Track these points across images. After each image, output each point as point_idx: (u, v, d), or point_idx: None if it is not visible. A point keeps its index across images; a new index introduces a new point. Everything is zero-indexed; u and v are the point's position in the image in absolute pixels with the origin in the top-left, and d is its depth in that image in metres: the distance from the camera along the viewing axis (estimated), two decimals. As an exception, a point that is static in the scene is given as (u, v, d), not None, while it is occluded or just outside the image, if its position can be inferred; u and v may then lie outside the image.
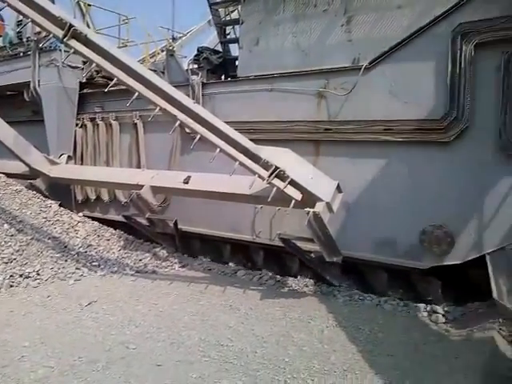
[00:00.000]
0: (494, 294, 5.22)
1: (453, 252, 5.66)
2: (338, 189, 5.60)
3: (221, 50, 9.25)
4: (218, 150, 5.46)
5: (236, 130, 5.70)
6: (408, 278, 6.18)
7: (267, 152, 5.40)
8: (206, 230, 7.79)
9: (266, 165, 5.33)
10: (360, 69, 6.11)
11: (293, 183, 5.35)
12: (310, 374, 4.24)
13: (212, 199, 6.63)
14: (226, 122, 5.74)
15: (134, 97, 5.78)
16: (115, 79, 5.85)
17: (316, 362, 4.44)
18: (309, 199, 5.34)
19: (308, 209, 5.25)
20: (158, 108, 5.69)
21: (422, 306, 5.81)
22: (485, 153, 5.44)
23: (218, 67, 8.83)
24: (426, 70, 5.73)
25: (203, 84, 7.86)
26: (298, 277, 6.93)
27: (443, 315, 5.55)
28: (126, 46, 11.83)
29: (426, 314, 5.65)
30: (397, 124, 5.88)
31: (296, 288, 6.60)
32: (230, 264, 7.72)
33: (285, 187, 5.31)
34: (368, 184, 6.20)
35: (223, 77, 8.88)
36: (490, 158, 5.41)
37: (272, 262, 7.38)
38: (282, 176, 5.34)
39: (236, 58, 8.14)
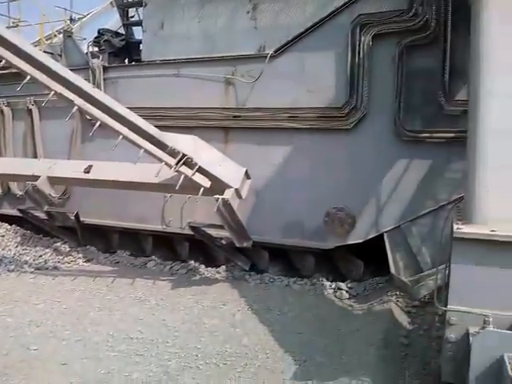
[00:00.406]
0: (392, 269, 5.65)
1: (354, 232, 5.99)
2: (247, 175, 5.64)
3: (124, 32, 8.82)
4: (121, 137, 5.20)
5: (142, 116, 5.47)
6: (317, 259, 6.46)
7: (174, 139, 5.26)
8: (112, 222, 7.44)
9: (172, 152, 5.19)
10: (266, 57, 6.19)
11: (201, 170, 5.28)
12: (223, 358, 4.28)
13: (116, 189, 6.33)
14: (131, 108, 5.49)
15: (25, 80, 5.30)
16: (3, 61, 5.31)
17: (228, 346, 4.49)
18: (218, 186, 5.32)
19: (217, 196, 5.23)
20: (53, 93, 5.28)
21: (328, 284, 6.10)
22: (382, 139, 5.80)
23: (121, 50, 8.40)
24: (328, 59, 5.95)
25: (105, 68, 7.46)
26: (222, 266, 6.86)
27: (347, 291, 5.89)
28: (18, 25, 10.83)
29: (331, 291, 5.95)
30: (301, 112, 6.07)
31: (208, 275, 6.59)
32: (143, 256, 7.45)
33: (193, 175, 5.22)
34: (276, 170, 6.34)
35: (127, 61, 8.49)
36: (386, 144, 5.78)
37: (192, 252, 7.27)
38: (189, 163, 5.23)
39: (140, 42, 7.82)
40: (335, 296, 5.85)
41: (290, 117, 6.12)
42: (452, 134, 5.34)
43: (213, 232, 6.26)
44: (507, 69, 3.02)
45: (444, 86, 5.39)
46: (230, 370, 4.07)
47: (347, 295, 5.84)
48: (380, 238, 5.84)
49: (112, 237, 7.74)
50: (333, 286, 6.05)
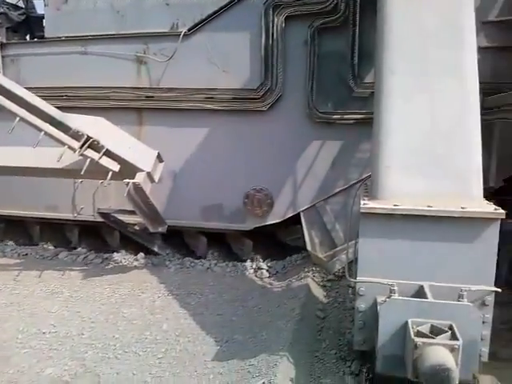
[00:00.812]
0: (308, 247, 5.86)
1: (273, 212, 6.11)
2: (159, 158, 5.48)
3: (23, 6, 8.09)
4: (18, 119, 4.77)
5: (48, 97, 5.07)
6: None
7: (77, 121, 4.90)
8: (14, 212, 6.92)
9: (76, 135, 4.84)
10: (179, 35, 6.01)
11: (108, 154, 4.98)
12: (143, 346, 4.19)
13: (14, 175, 5.83)
14: (36, 89, 5.08)
15: None
16: None
17: (148, 333, 4.40)
18: (128, 170, 5.10)
19: (127, 180, 5.03)
20: None
21: (248, 264, 6.19)
22: (296, 120, 5.91)
23: (21, 25, 7.71)
24: (243, 39, 5.90)
25: (3, 44, 6.82)
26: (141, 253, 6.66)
27: (267, 270, 6.02)
28: None
29: (252, 271, 6.05)
30: (217, 93, 5.99)
31: (125, 263, 6.38)
32: (50, 247, 7.03)
33: (99, 158, 4.93)
34: (194, 152, 6.24)
35: (28, 37, 7.82)
36: (300, 125, 5.90)
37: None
38: (95, 146, 4.91)
39: (43, 17, 7.22)
40: (256, 276, 5.95)
41: (206, 98, 6.02)
42: (361, 116, 5.58)
43: (125, 218, 6.03)
44: (408, 49, 3.18)
45: (353, 69, 5.59)
46: (150, 357, 4.00)
47: (267, 274, 5.97)
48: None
49: (33, 229, 7.22)
50: (253, 265, 6.15)
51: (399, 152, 3.06)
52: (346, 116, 5.70)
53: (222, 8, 5.90)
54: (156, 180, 5.33)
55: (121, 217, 5.99)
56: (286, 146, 5.97)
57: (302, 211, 5.99)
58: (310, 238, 5.92)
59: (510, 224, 6.69)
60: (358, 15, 5.48)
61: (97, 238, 6.95)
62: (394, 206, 2.95)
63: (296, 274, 5.64)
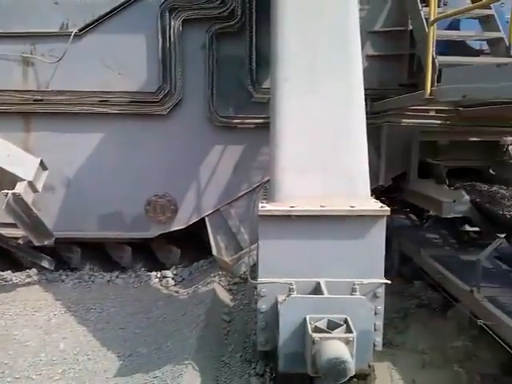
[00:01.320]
0: (214, 251, 5.85)
1: (177, 218, 5.99)
2: (43, 166, 5.11)
3: None
4: None
5: None
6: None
7: None
8: None
9: None
10: (70, 35, 5.66)
11: (-17, 163, 4.58)
12: (37, 369, 3.87)
13: None
14: None
15: None
16: None
17: (43, 355, 4.08)
18: (7, 179, 4.69)
19: (6, 190, 4.62)
20: None
21: (153, 274, 6.01)
22: (197, 125, 5.87)
23: None
24: (139, 41, 5.71)
25: None
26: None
27: (172, 278, 5.90)
28: None
29: (157, 280, 5.88)
30: (112, 96, 5.73)
31: (16, 281, 5.85)
32: None
33: (-28, 168, 4.49)
34: (90, 158, 5.90)
35: None
36: (202, 130, 5.87)
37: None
38: (-33, 155, 4.48)
39: None
40: (161, 284, 5.80)
41: (100, 101, 5.74)
42: (261, 120, 5.69)
43: (6, 232, 5.55)
44: (299, 58, 3.31)
45: (252, 75, 5.69)
46: (45, 381, 3.70)
47: (173, 282, 5.85)
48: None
49: None
50: (158, 274, 5.98)
51: (293, 155, 3.16)
52: (246, 120, 5.79)
53: (115, 9, 5.67)
54: (39, 189, 4.96)
55: (1, 230, 5.48)
56: (188, 151, 5.90)
57: (207, 216, 5.96)
58: (216, 242, 5.92)
59: (399, 219, 7.27)
60: (254, 21, 5.60)
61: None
62: (291, 207, 3.04)
63: (202, 280, 5.59)
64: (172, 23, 5.61)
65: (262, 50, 5.65)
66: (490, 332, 3.92)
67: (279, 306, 3.00)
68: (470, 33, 4.70)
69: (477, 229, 5.39)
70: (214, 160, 5.94)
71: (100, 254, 6.33)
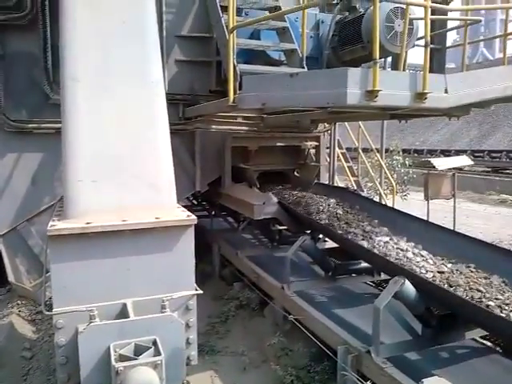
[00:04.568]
0: (11, 277, 5.01)
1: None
2: None
3: None
4: None
5: None
6: None
7: None
8: None
9: None
10: None
11: None
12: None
13: None
14: None
15: None
16: None
17: None
18: None
19: None
20: None
21: None
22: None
23: None
24: None
25: None
26: None
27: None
28: None
29: None
30: None
31: None
32: None
33: None
34: None
35: None
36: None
37: None
38: None
39: None
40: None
41: None
42: (61, 125, 5.10)
43: None
44: (88, 53, 2.96)
45: (48, 74, 5.08)
46: None
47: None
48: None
49: None
50: None
51: (88, 165, 2.81)
52: (43, 125, 5.14)
53: None
54: None
55: None
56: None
57: (1, 237, 5.09)
58: (14, 267, 5.09)
59: (220, 223, 7.37)
60: (48, 14, 4.99)
61: None
62: (87, 223, 2.68)
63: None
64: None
65: (58, 47, 5.06)
66: (300, 326, 4.18)
67: (79, 336, 2.62)
68: (268, 43, 4.95)
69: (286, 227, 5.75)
70: (6, 171, 5.12)
71: None
